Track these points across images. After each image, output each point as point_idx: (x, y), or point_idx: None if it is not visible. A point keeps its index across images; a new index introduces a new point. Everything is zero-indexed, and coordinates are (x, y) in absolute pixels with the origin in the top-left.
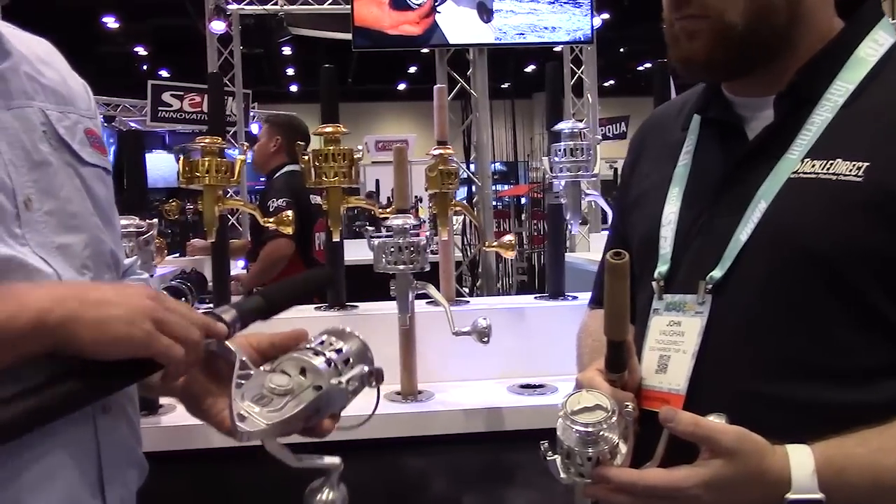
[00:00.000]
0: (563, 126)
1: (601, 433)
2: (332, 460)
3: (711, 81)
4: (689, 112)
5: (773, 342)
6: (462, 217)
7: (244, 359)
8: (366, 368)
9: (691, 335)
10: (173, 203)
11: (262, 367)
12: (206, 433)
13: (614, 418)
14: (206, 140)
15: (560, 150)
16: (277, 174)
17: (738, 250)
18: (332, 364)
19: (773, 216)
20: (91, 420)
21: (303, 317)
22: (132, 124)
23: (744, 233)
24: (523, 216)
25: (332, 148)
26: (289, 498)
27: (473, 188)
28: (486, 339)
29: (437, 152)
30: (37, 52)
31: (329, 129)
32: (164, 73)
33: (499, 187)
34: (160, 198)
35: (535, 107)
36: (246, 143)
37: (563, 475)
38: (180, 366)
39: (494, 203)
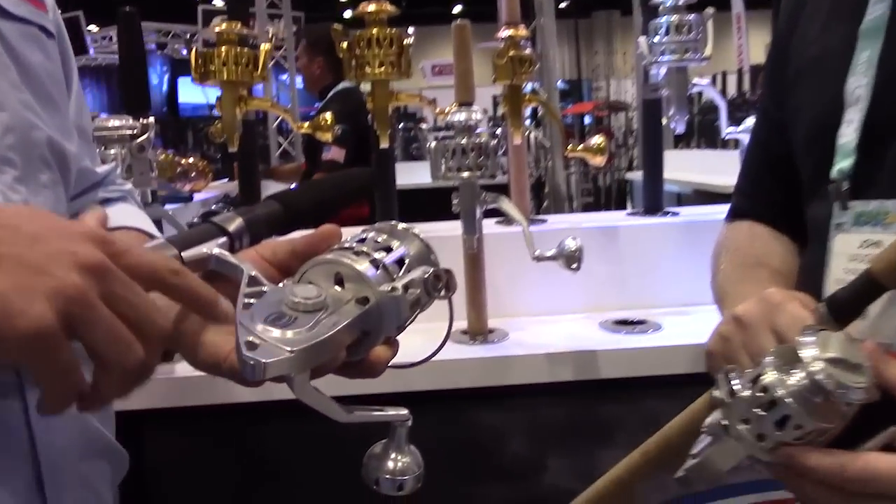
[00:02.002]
0: None
1: (850, 402)
2: (398, 412)
3: None
4: None
5: None
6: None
7: (254, 273)
8: (430, 270)
9: None
10: (219, 124)
11: (281, 284)
12: (229, 385)
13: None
14: (223, 26)
15: (660, 27)
16: (330, 94)
17: None
18: (381, 267)
19: None
20: (18, 399)
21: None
22: (184, 52)
23: None
24: (586, 136)
25: (376, 31)
26: (339, 463)
27: (539, 106)
28: (575, 265)
29: (506, 34)
30: None
31: (372, 8)
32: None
33: (561, 105)
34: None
35: (595, 25)
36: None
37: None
38: (106, 395)
39: None
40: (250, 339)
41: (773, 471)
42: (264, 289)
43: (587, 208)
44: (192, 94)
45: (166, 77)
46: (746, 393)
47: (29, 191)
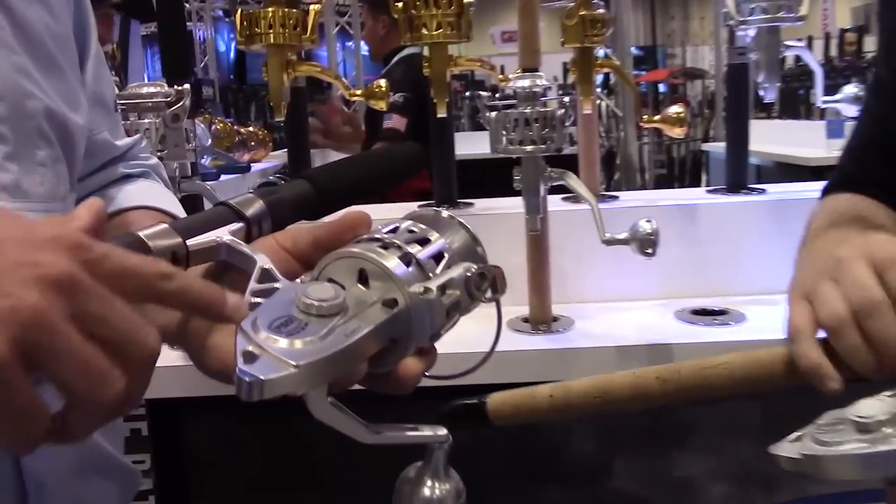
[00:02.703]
0: None
1: None
2: (436, 432)
3: None
4: None
5: None
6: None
7: (268, 266)
8: (473, 267)
9: None
10: None
11: (299, 279)
12: None
13: None
14: None
15: None
16: (393, 61)
17: None
18: (414, 263)
19: None
20: None
21: (388, 217)
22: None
23: None
24: (661, 105)
25: None
26: (384, 454)
27: (611, 73)
28: (650, 249)
29: None
30: None
31: None
32: None
33: (634, 73)
34: None
35: None
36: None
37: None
38: (78, 432)
39: None
40: (250, 348)
41: None
42: (277, 285)
43: (660, 181)
44: (261, 61)
45: (234, 44)
46: None
47: (22, 169)
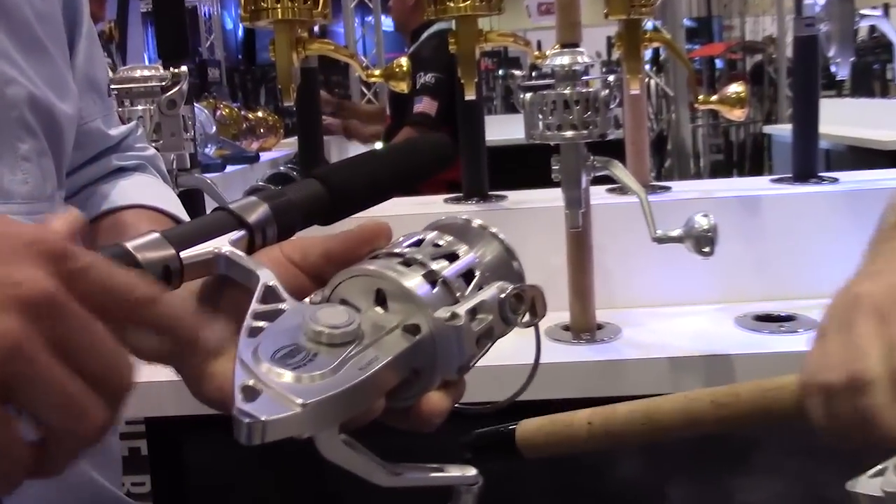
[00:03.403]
0: None
1: None
2: (464, 472)
3: None
4: None
5: None
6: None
7: (272, 283)
8: (508, 288)
9: None
10: None
11: (308, 298)
12: None
13: None
14: None
15: None
16: (423, 36)
17: None
18: (440, 282)
19: None
20: None
21: (412, 213)
22: None
23: None
24: (717, 84)
25: None
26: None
27: (660, 48)
28: (707, 248)
29: None
30: None
31: None
32: None
33: (687, 47)
34: None
35: None
36: None
37: None
38: (56, 466)
39: None
40: (250, 383)
41: None
42: (282, 306)
43: (716, 169)
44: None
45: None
46: None
47: (2, 165)
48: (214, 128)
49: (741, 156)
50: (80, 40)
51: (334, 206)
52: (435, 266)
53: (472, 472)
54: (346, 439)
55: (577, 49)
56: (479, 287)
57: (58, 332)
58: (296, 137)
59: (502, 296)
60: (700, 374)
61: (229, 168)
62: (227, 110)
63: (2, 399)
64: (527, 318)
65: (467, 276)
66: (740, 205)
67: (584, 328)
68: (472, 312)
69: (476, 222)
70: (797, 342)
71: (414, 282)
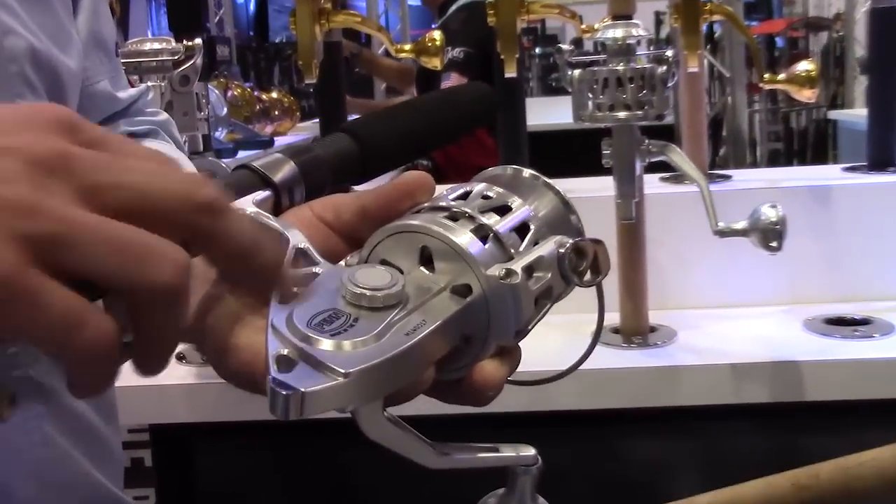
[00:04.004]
0: None
1: None
2: (520, 452)
3: None
4: None
5: None
6: None
7: (303, 245)
8: (567, 242)
9: None
10: None
11: (343, 261)
12: None
13: None
14: None
15: None
16: (451, 9)
17: None
18: (491, 238)
19: None
20: None
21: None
22: None
23: None
24: (776, 65)
25: None
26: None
27: (714, 24)
28: (775, 242)
29: None
30: None
31: None
32: None
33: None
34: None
35: None
36: None
37: None
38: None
39: None
40: (285, 352)
41: None
42: (316, 270)
43: (774, 158)
44: (285, 15)
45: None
46: None
47: None
48: (225, 110)
49: (802, 144)
50: None
51: (366, 163)
52: (486, 220)
53: (530, 451)
54: (390, 417)
55: (632, 21)
56: (535, 242)
57: (82, 182)
58: (312, 122)
59: (561, 251)
60: (764, 382)
61: (241, 153)
62: (238, 91)
63: (44, 263)
64: (588, 276)
65: (521, 230)
66: (810, 195)
67: (635, 331)
68: (529, 270)
69: (528, 172)
70: (872, 348)
71: (463, 237)
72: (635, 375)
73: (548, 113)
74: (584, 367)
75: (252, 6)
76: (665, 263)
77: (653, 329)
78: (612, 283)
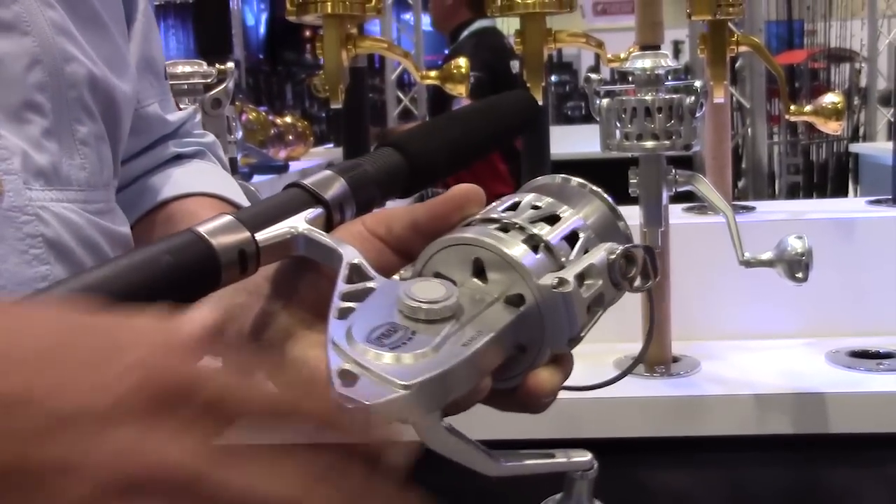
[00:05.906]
0: None
1: None
2: (576, 457)
3: None
4: None
5: None
6: None
7: (357, 261)
8: (617, 249)
9: None
10: (322, 74)
11: (396, 275)
12: None
13: None
14: None
15: None
16: (463, 35)
17: None
18: (542, 248)
19: None
20: None
21: None
22: None
23: None
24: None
25: None
26: None
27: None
28: (800, 273)
29: None
30: None
31: None
32: None
33: None
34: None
35: None
36: None
37: None
38: None
39: None
40: (347, 366)
41: None
42: (371, 285)
43: (793, 190)
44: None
45: (264, 17)
46: None
47: (62, 149)
48: (241, 133)
49: (822, 177)
50: (137, 17)
51: (414, 176)
52: (536, 230)
53: (586, 456)
54: (449, 427)
55: (661, 52)
56: (585, 250)
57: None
58: (325, 146)
59: (612, 258)
60: (787, 414)
61: (256, 178)
62: (253, 115)
63: None
64: (638, 281)
65: (572, 239)
66: (835, 228)
67: (658, 361)
68: (581, 278)
69: (575, 181)
70: None
71: (516, 248)
72: (658, 405)
73: (565, 142)
74: (606, 395)
75: (262, 28)
76: (687, 294)
77: (676, 359)
78: (635, 312)
